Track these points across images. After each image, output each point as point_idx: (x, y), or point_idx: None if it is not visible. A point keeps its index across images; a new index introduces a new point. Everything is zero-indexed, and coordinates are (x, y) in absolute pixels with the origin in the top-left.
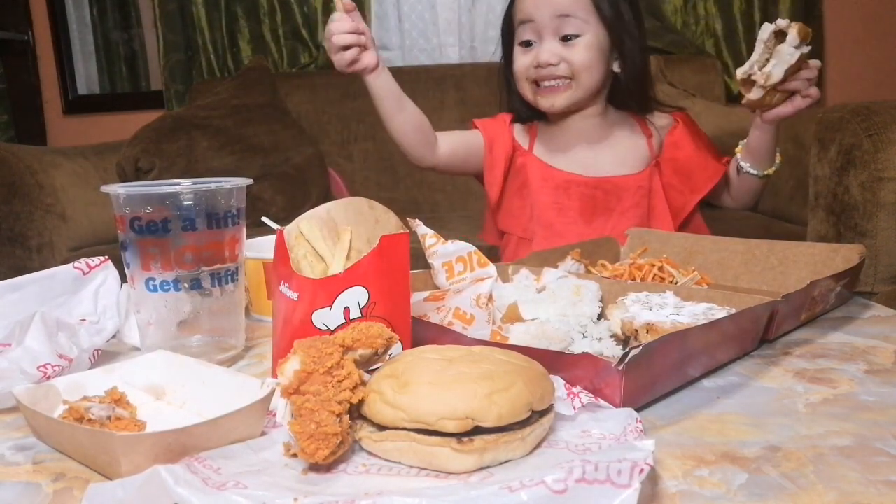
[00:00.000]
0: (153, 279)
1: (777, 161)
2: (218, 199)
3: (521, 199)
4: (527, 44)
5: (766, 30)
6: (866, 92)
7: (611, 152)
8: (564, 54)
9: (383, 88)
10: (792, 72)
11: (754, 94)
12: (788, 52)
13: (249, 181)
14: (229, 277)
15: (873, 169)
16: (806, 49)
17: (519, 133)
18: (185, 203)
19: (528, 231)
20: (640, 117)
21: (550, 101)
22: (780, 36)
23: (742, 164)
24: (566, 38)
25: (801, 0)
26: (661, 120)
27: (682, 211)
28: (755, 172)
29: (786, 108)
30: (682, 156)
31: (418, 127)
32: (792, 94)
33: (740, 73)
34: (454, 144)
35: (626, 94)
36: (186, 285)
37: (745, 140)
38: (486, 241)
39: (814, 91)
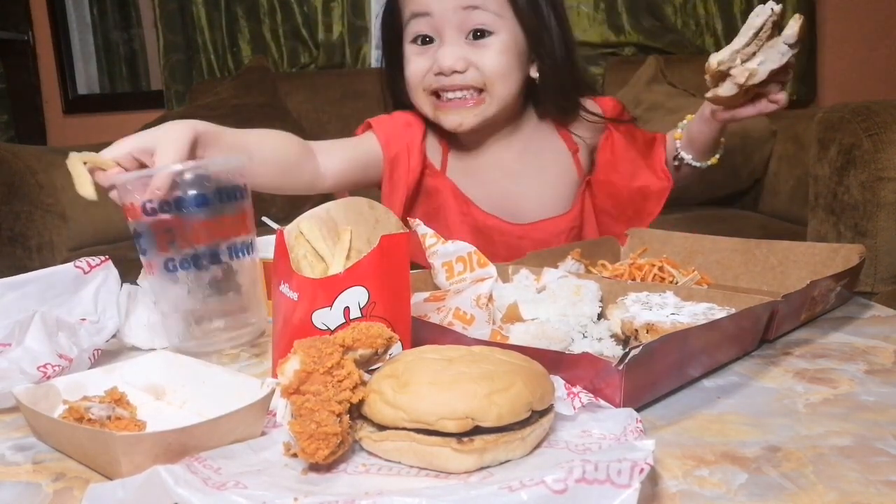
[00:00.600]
0: (172, 260)
1: (721, 150)
2: (221, 175)
3: (432, 225)
4: (423, 40)
5: (761, 14)
6: (865, 92)
7: (536, 187)
8: (473, 58)
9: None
10: (777, 72)
11: (725, 91)
12: (782, 51)
13: (245, 160)
14: (246, 250)
15: (873, 169)
16: (797, 49)
17: (431, 143)
18: (192, 179)
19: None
20: (562, 127)
21: (457, 120)
22: (772, 28)
23: (683, 154)
24: (475, 36)
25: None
26: (588, 129)
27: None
28: (697, 164)
29: (747, 111)
30: (617, 180)
31: (279, 160)
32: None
33: (715, 60)
34: (343, 164)
35: (547, 102)
36: (206, 261)
37: (685, 124)
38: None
39: (781, 97)
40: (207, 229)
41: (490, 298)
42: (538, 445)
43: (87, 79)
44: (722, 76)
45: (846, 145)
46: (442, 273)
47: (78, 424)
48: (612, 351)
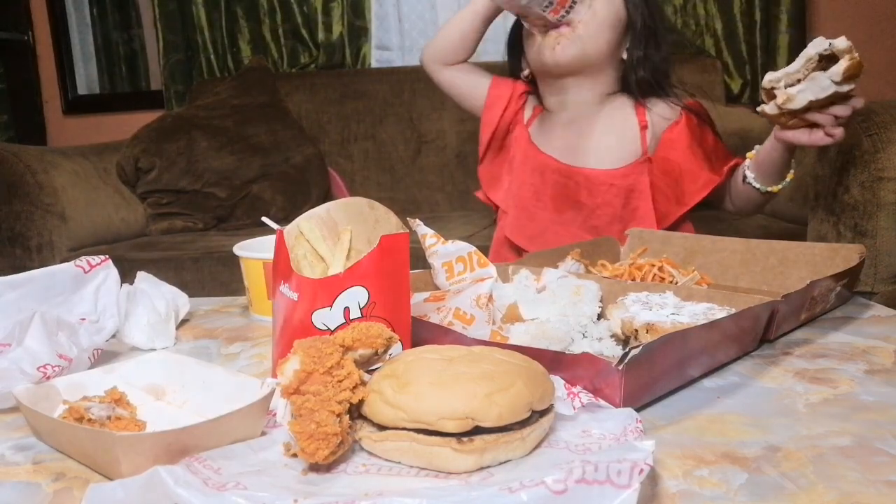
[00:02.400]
0: None
1: (787, 179)
2: None
3: (505, 170)
4: None
5: (815, 46)
6: (865, 92)
7: (596, 143)
8: (580, 6)
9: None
10: (822, 105)
11: (769, 108)
12: (823, 85)
13: None
14: None
15: (873, 169)
16: (847, 87)
17: (530, 103)
18: None
19: (505, 204)
20: (641, 104)
21: (554, 41)
22: (828, 59)
23: (747, 173)
24: None
25: (800, 0)
26: (665, 111)
27: (665, 218)
28: (757, 186)
29: (800, 137)
30: (674, 157)
31: (460, 43)
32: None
33: (765, 81)
34: (463, 76)
35: (631, 78)
36: None
37: (759, 147)
38: (479, 197)
39: (838, 132)
40: None
41: (490, 298)
42: (538, 445)
43: (87, 79)
44: (770, 94)
45: (846, 145)
46: (442, 273)
47: (78, 424)
48: (612, 351)
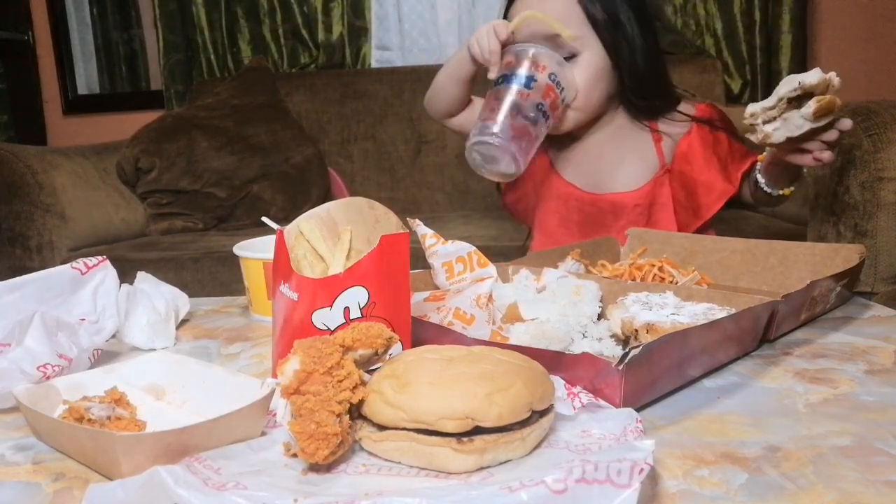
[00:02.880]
0: None
1: (794, 185)
2: None
3: (528, 187)
4: None
5: (787, 84)
6: (865, 92)
7: (615, 166)
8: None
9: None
10: (805, 136)
11: (755, 139)
12: (797, 123)
13: None
14: None
15: (873, 169)
16: (823, 122)
17: None
18: None
19: (528, 220)
20: (652, 121)
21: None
22: (802, 97)
23: (758, 177)
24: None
25: (801, 0)
26: (674, 125)
27: (685, 229)
28: (768, 190)
29: (790, 157)
30: (689, 171)
31: (453, 96)
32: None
33: (746, 113)
34: (472, 118)
35: (630, 104)
36: None
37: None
38: (504, 200)
39: (826, 155)
40: None
41: (490, 298)
42: (538, 445)
43: (87, 79)
44: (752, 128)
45: (846, 145)
46: (442, 273)
47: (78, 424)
48: (612, 351)
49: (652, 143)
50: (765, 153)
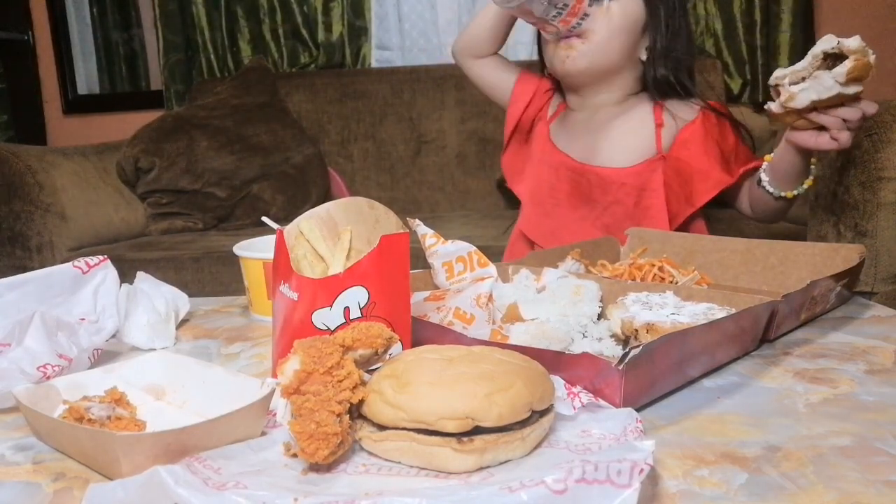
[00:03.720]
0: None
1: (804, 185)
2: None
3: (527, 163)
4: None
5: (823, 43)
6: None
7: (611, 141)
8: (594, 12)
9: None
10: (829, 104)
11: (774, 107)
12: (827, 85)
13: None
14: None
15: (873, 169)
16: (853, 90)
17: (554, 103)
18: None
19: (523, 195)
20: (659, 103)
21: (564, 54)
22: (836, 58)
23: (762, 176)
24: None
25: (800, 0)
26: (683, 111)
27: (676, 217)
28: (770, 190)
29: (806, 140)
30: (686, 157)
31: (488, 35)
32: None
33: (772, 77)
34: (492, 70)
35: (650, 76)
36: None
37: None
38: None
39: (844, 136)
40: None
41: (490, 298)
42: (538, 445)
43: (87, 79)
44: (777, 92)
45: None
46: (442, 273)
47: (78, 424)
48: (612, 351)
49: (653, 128)
50: (771, 154)
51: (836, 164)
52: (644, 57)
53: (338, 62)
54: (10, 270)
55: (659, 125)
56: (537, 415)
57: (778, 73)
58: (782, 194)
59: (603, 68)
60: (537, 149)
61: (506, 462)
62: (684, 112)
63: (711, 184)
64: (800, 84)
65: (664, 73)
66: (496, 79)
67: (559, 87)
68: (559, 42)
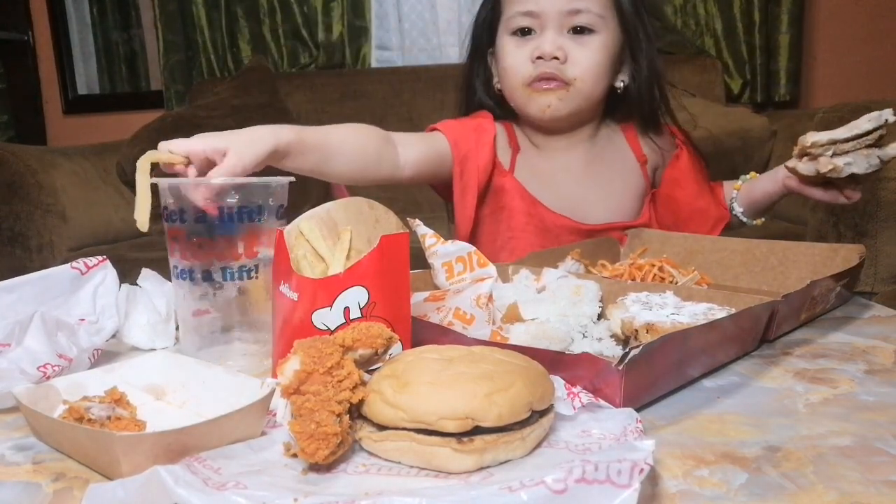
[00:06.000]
0: (175, 266)
1: (768, 214)
2: (254, 195)
3: (494, 224)
4: (523, 32)
5: (873, 121)
6: (864, 92)
7: (603, 193)
8: (572, 51)
9: (302, 160)
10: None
11: (804, 169)
12: (873, 162)
13: (287, 180)
14: (245, 273)
15: None
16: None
17: (501, 144)
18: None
19: (497, 259)
20: (633, 139)
21: (546, 102)
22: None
23: (735, 206)
24: (575, 31)
25: (800, 0)
26: (657, 144)
27: None
28: (745, 220)
29: (817, 193)
30: (680, 197)
31: (360, 156)
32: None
33: (810, 140)
34: (421, 156)
35: (632, 108)
36: (198, 276)
37: (747, 178)
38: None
39: (855, 195)
40: (201, 247)
41: (490, 298)
42: (538, 445)
43: (87, 79)
44: (807, 153)
45: None
46: (442, 273)
47: (78, 424)
48: (612, 351)
49: (637, 165)
50: (740, 182)
51: None
52: (620, 85)
53: (338, 62)
54: (9, 271)
55: (643, 162)
56: (537, 415)
57: (815, 138)
58: (753, 222)
59: (587, 110)
60: (515, 208)
61: (506, 462)
62: (661, 147)
63: (712, 223)
64: (842, 157)
65: (646, 107)
66: (433, 163)
67: (500, 113)
68: (534, 85)
